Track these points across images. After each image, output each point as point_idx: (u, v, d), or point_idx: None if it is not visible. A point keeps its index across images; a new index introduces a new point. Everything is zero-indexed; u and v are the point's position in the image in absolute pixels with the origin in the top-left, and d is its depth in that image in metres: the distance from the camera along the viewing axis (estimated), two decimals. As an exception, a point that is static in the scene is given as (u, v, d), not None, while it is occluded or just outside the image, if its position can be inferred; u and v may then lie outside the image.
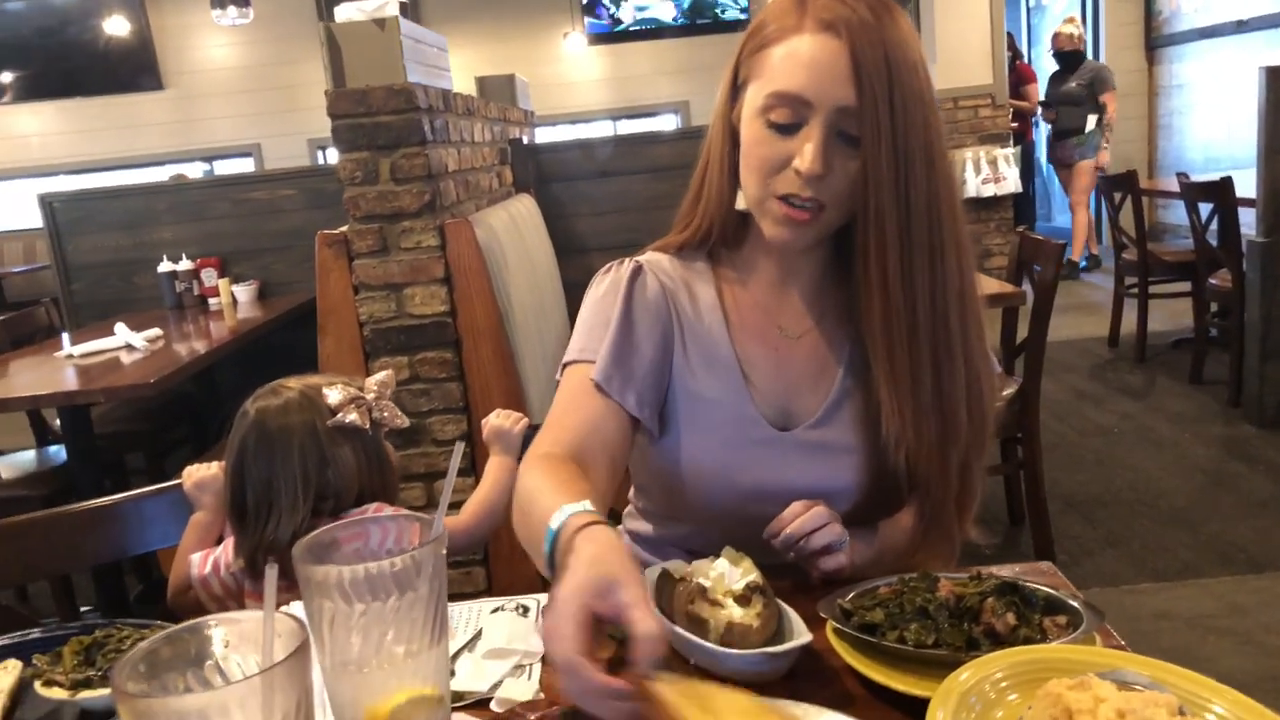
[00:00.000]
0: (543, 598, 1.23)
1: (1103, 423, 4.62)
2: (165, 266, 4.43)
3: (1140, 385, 5.18)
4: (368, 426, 1.51)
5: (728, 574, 1.06)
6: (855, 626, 1.00)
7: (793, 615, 1.04)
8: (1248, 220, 4.42)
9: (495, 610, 1.19)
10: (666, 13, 8.62)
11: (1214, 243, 4.75)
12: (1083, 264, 8.11)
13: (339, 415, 1.49)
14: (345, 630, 0.83)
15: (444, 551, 0.87)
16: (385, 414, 1.54)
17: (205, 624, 0.73)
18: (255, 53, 8.52)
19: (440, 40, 3.32)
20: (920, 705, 0.87)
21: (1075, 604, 1.00)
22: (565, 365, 1.32)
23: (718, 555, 1.09)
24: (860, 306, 1.23)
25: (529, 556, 1.11)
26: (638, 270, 1.33)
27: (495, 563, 2.80)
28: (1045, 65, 9.20)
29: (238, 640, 0.74)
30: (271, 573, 0.72)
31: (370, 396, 1.53)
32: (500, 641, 1.10)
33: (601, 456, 1.22)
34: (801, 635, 0.99)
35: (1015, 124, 7.96)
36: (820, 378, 1.32)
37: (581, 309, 1.36)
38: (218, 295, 4.44)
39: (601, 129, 8.83)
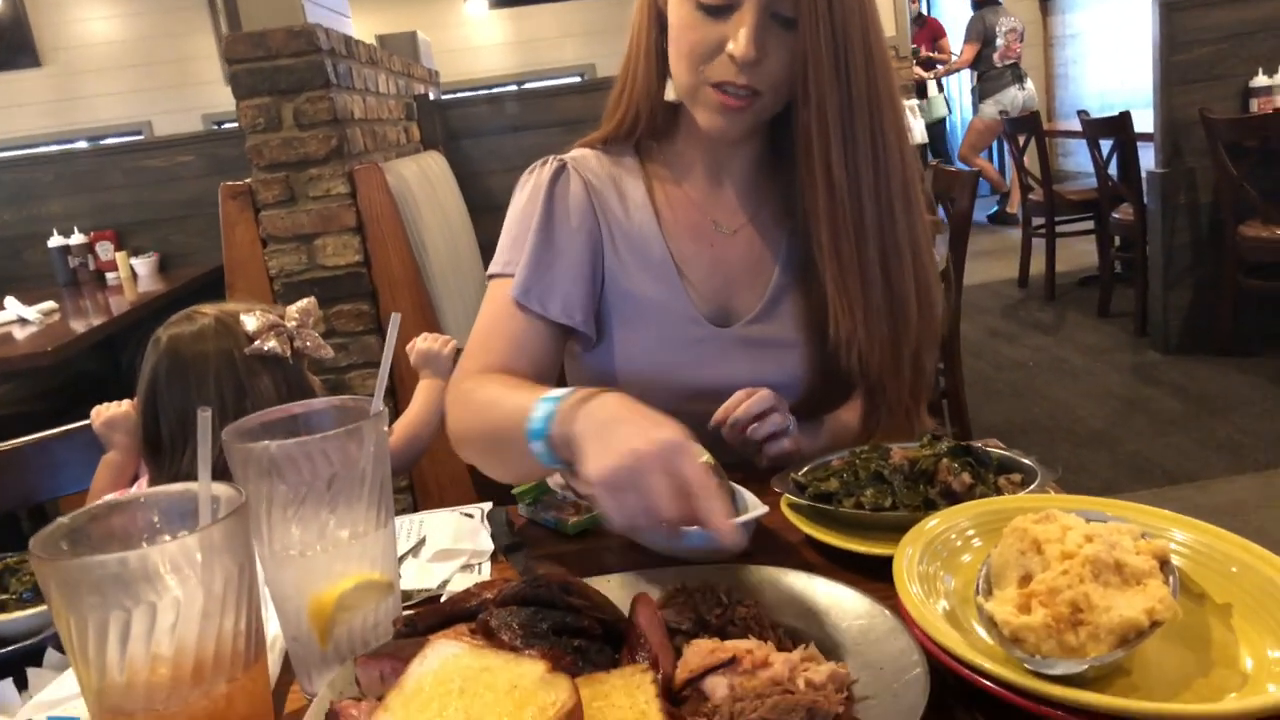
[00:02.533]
0: (486, 505, 1.19)
1: (1018, 358, 4.73)
2: (56, 241, 4.22)
3: (1051, 321, 5.32)
4: (288, 355, 1.44)
5: (678, 458, 1.03)
6: (811, 497, 0.98)
7: (745, 493, 1.01)
8: (1145, 160, 4.55)
9: (438, 518, 1.15)
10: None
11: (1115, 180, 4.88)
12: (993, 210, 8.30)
13: (257, 343, 1.41)
14: (284, 516, 0.78)
15: (385, 428, 0.82)
16: (308, 343, 1.47)
17: (131, 498, 0.67)
18: (140, 25, 8.12)
19: (339, -14, 3.20)
20: (881, 566, 0.85)
21: (1028, 462, 1.00)
22: (490, 277, 1.28)
23: (666, 444, 1.06)
24: (803, 203, 1.19)
25: (456, 483, 1.09)
26: (559, 170, 1.28)
27: (422, 497, 2.71)
28: (949, 18, 9.35)
29: (169, 517, 0.68)
30: (205, 416, 0.66)
31: (291, 324, 1.46)
32: (446, 543, 1.05)
33: (531, 376, 1.19)
34: (757, 508, 0.97)
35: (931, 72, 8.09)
36: (757, 273, 1.29)
37: (507, 216, 1.31)
38: (116, 270, 4.25)
39: (507, 96, 8.68)
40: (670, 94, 1.23)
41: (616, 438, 0.81)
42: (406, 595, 0.95)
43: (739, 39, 1.09)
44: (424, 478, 2.57)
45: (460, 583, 0.98)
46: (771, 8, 1.09)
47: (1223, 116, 4.05)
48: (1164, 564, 0.73)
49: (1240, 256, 4.10)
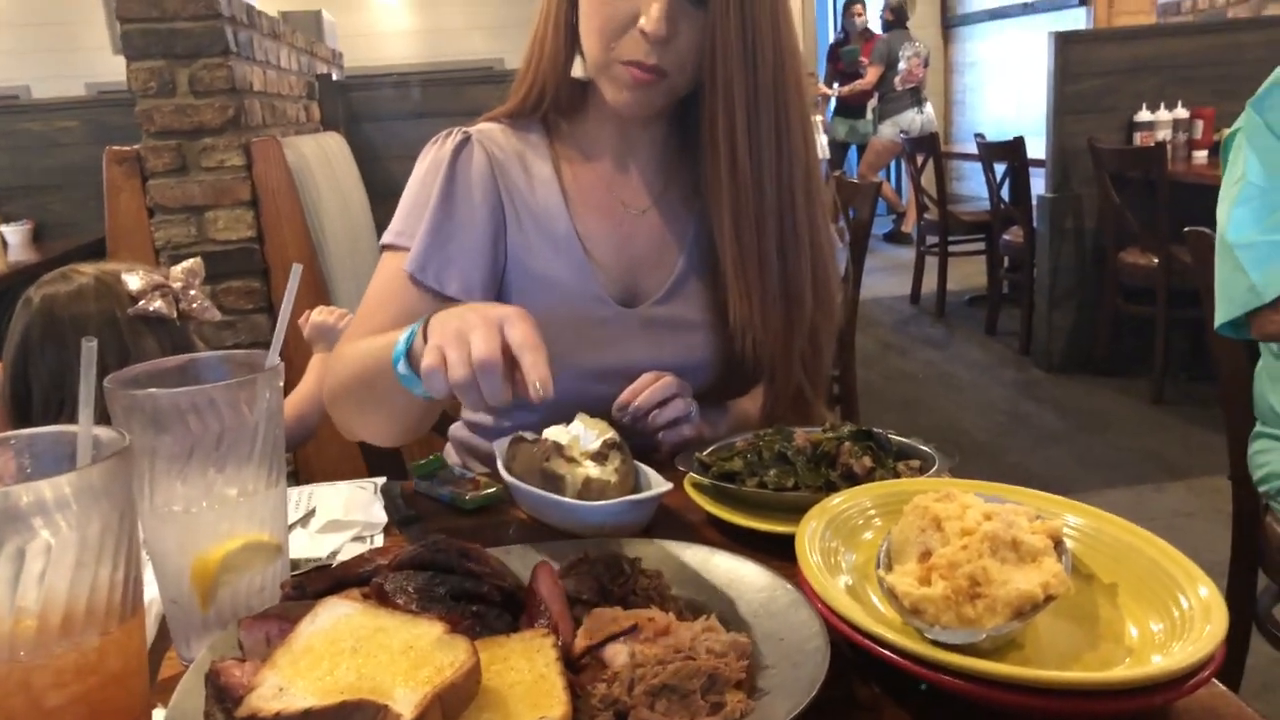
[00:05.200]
0: (380, 480, 1.15)
1: (908, 370, 4.86)
2: (-80, 202, 3.98)
3: (941, 337, 5.49)
4: (174, 316, 1.38)
5: (583, 435, 1.01)
6: (715, 476, 0.98)
7: (649, 471, 1.00)
8: (1036, 186, 4.74)
9: (329, 489, 1.11)
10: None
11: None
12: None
13: (141, 303, 1.34)
14: (168, 471, 0.73)
15: (280, 384, 0.78)
16: (194, 305, 1.41)
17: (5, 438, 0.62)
18: (21, -18, 7.72)
19: (244, -48, 3.09)
20: (782, 546, 0.85)
21: (927, 449, 1.02)
22: (383, 248, 1.24)
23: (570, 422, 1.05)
24: (707, 185, 1.20)
25: (345, 470, 1.06)
26: (463, 143, 1.25)
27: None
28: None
29: (42, 461, 0.63)
30: (90, 347, 0.62)
31: (176, 285, 1.39)
32: (337, 514, 1.01)
33: None
34: (660, 485, 0.96)
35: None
36: (664, 254, 1.28)
37: (406, 186, 1.28)
38: (-14, 236, 4.02)
39: (413, 86, 8.52)
40: (578, 70, 1.22)
41: (454, 321, 0.84)
42: (294, 565, 0.91)
43: (650, 15, 1.09)
44: (309, 464, 2.49)
45: (350, 553, 0.94)
46: None
47: (1109, 146, 4.23)
48: (1057, 544, 0.75)
49: (1120, 281, 4.29)
